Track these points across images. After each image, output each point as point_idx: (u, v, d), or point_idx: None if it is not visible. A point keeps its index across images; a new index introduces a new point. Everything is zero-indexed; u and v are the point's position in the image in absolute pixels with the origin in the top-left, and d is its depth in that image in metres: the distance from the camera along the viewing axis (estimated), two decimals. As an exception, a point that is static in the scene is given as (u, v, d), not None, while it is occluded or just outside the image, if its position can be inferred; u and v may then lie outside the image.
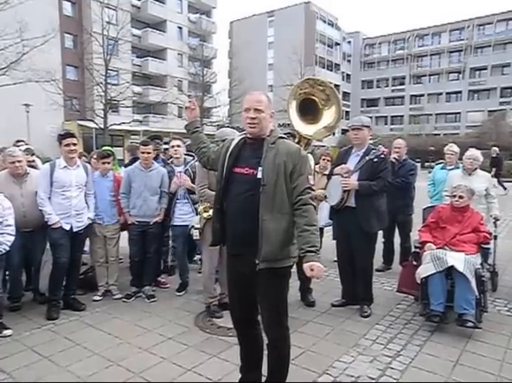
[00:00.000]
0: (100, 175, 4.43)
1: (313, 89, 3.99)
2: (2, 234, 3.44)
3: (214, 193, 3.71)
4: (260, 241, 2.22)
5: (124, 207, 4.35)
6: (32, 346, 3.26)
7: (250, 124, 2.31)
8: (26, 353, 3.17)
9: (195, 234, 4.12)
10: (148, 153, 4.36)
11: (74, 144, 3.91)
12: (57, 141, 3.95)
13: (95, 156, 4.97)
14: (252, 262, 2.25)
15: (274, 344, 2.38)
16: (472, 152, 4.81)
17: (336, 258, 5.26)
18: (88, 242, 4.58)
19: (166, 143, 6.66)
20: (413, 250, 4.13)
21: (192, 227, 4.21)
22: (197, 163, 3.96)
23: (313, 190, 2.31)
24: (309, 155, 4.20)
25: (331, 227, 4.64)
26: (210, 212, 3.78)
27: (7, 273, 3.95)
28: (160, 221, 4.45)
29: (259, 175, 2.25)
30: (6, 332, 3.44)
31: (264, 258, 2.23)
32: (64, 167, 3.91)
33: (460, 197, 3.87)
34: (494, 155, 5.97)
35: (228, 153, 2.39)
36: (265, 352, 2.47)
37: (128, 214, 4.34)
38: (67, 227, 3.88)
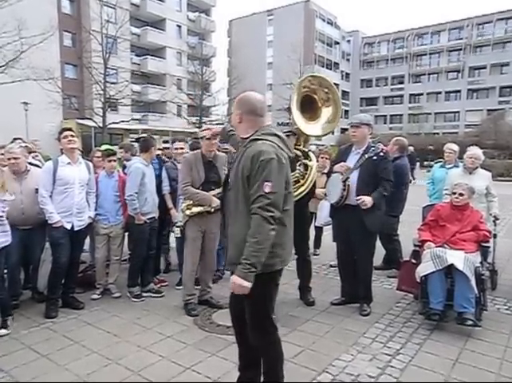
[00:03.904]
0: (105, 175, 4.42)
1: (319, 88, 4.02)
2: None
3: (196, 191, 3.79)
4: (227, 244, 2.31)
5: (137, 207, 4.15)
6: (30, 345, 3.25)
7: None
8: (24, 351, 3.15)
9: (177, 232, 4.10)
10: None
11: (72, 136, 3.89)
12: (57, 139, 3.95)
13: (97, 155, 4.96)
14: None
15: (261, 349, 2.38)
16: (474, 151, 4.78)
17: (332, 263, 5.26)
18: (87, 240, 4.56)
19: (165, 141, 6.64)
20: (413, 248, 4.12)
21: (175, 224, 4.18)
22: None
23: (269, 198, 2.06)
24: (311, 153, 4.21)
25: (331, 227, 4.62)
26: (193, 210, 3.81)
27: (5, 271, 3.94)
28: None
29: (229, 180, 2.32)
30: (2, 331, 3.42)
31: (228, 262, 2.27)
32: (68, 163, 3.88)
33: (460, 195, 3.87)
34: (409, 153, 6.50)
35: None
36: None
37: (140, 214, 4.17)
38: (68, 226, 3.85)
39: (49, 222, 3.79)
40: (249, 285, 2.05)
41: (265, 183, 2.06)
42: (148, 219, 4.26)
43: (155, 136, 5.18)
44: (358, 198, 3.67)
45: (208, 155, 3.90)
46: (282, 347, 2.40)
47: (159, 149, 5.41)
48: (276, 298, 2.42)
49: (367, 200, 3.65)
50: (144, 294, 4.33)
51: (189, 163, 3.86)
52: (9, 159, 3.85)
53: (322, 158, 5.60)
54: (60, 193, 3.82)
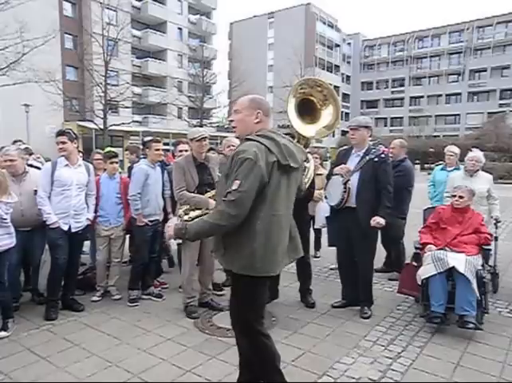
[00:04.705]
0: (107, 177, 4.41)
1: (312, 90, 3.99)
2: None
3: (192, 195, 3.77)
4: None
5: (139, 208, 4.12)
6: (30, 347, 3.24)
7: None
8: (24, 353, 3.14)
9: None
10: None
11: (63, 143, 3.85)
12: None
13: (97, 157, 4.96)
14: None
15: (247, 350, 2.39)
16: (475, 154, 4.77)
17: (332, 266, 5.25)
18: (87, 242, 4.55)
19: (166, 144, 6.62)
20: (414, 251, 4.11)
21: None
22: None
23: (234, 196, 2.07)
24: (309, 155, 4.20)
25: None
26: (191, 214, 3.76)
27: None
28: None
29: None
30: (2, 334, 3.41)
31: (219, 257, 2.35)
32: (66, 165, 3.89)
33: (460, 197, 3.86)
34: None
35: None
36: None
37: (141, 215, 4.15)
38: (65, 227, 3.85)
39: (47, 222, 3.80)
40: (172, 235, 2.24)
41: (235, 181, 2.09)
42: (150, 221, 4.23)
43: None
44: (373, 220, 3.70)
45: (199, 158, 3.89)
46: (274, 352, 2.34)
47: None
48: (261, 306, 2.34)
49: (380, 221, 3.71)
50: (144, 297, 4.32)
51: (181, 168, 3.83)
52: (5, 161, 3.85)
53: (313, 158, 5.58)
54: (57, 194, 3.83)
